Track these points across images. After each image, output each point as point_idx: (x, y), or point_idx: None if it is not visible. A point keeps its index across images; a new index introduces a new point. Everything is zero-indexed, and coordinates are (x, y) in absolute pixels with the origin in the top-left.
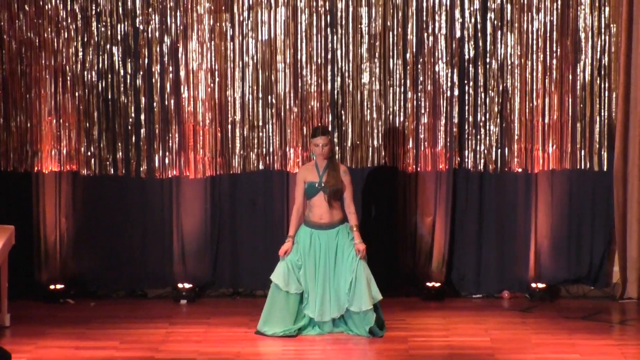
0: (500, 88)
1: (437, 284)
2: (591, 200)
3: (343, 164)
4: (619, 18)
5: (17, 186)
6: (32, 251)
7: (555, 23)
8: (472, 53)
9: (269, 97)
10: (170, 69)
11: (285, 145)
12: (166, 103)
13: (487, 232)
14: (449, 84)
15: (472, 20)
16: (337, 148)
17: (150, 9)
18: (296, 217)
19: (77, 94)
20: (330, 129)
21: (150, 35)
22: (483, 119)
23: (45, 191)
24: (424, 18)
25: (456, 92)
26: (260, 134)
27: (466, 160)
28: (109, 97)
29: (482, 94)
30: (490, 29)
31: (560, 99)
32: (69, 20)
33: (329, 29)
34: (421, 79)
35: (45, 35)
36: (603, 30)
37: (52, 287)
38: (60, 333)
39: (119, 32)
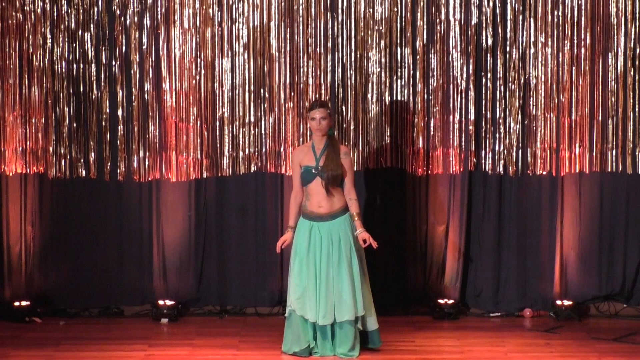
0: (522, 80)
1: (451, 301)
2: (624, 207)
3: (344, 145)
4: None
5: None
6: None
7: (584, 7)
8: (490, 41)
9: (262, 90)
10: (151, 58)
11: (280, 145)
12: (146, 97)
13: (507, 242)
14: (464, 75)
15: (490, 3)
16: None
17: None
18: (294, 205)
19: (45, 86)
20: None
21: (127, 20)
22: (502, 115)
23: (9, 196)
24: (436, 1)
25: (472, 85)
26: (252, 131)
27: (483, 161)
28: (81, 89)
29: (502, 87)
30: (510, 14)
31: (589, 93)
32: (36, 3)
33: (329, 14)
34: (432, 70)
35: (10, 19)
36: (638, 15)
37: (16, 304)
38: (26, 356)
39: (92, 17)
